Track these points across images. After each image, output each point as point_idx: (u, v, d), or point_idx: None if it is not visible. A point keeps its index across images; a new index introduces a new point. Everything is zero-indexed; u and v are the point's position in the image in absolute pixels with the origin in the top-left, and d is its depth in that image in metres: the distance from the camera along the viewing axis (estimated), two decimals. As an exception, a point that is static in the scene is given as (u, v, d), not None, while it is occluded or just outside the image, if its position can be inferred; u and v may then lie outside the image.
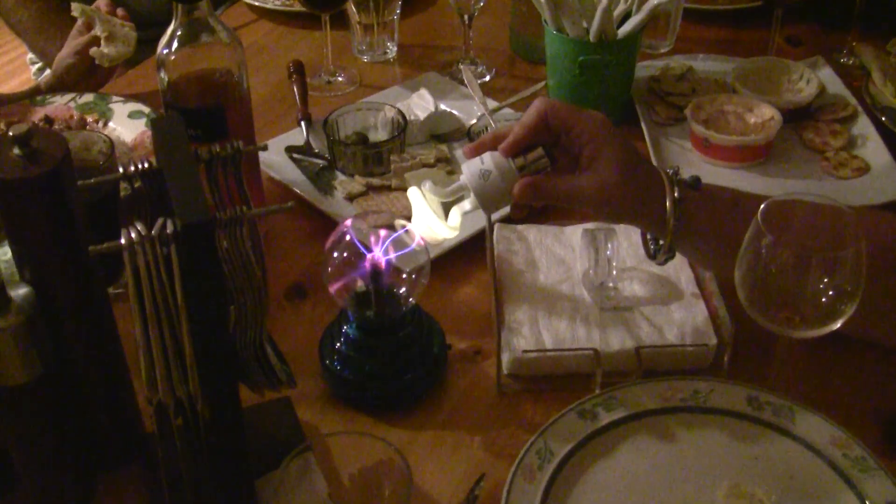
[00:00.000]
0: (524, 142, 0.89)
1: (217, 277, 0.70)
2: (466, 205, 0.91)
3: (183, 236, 0.66)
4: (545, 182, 0.88)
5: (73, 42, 1.47)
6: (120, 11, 1.46)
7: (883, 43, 1.47)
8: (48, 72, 1.55)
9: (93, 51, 1.40)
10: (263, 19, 1.72)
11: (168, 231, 0.66)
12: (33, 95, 1.43)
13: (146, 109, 1.36)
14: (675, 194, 0.87)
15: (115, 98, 1.40)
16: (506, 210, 0.96)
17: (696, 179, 0.90)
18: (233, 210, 0.70)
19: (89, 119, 1.36)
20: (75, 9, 1.42)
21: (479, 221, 1.12)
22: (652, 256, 0.94)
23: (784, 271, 0.79)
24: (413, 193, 0.91)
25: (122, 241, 0.67)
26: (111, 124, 1.35)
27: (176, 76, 1.03)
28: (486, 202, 0.89)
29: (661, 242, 0.91)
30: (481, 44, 1.57)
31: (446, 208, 0.92)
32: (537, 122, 0.89)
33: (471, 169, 0.89)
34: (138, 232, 0.67)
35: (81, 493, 0.86)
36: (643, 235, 0.95)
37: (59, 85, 1.46)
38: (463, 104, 1.39)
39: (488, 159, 0.89)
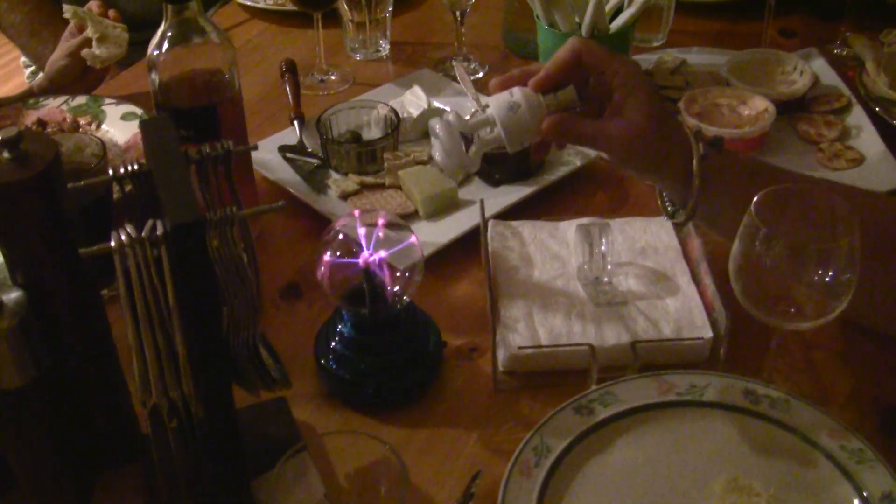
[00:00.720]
0: (555, 78, 0.88)
1: (208, 278, 0.70)
2: (489, 137, 0.88)
3: (173, 237, 0.66)
4: (574, 120, 0.87)
5: (66, 44, 1.47)
6: (112, 13, 1.46)
7: (876, 33, 1.46)
8: (41, 75, 1.55)
9: (84, 52, 1.40)
10: (255, 19, 1.72)
11: (158, 232, 0.66)
12: (26, 98, 1.43)
13: (139, 111, 1.36)
14: (701, 151, 0.87)
15: (107, 100, 1.39)
16: (504, 202, 0.94)
17: (719, 140, 0.89)
18: (223, 210, 0.70)
19: (82, 121, 1.36)
20: (67, 11, 1.41)
21: (474, 218, 1.12)
22: (671, 216, 0.93)
23: (779, 263, 0.79)
24: (434, 123, 0.88)
25: (113, 243, 0.66)
26: (104, 126, 1.35)
27: (167, 77, 1.03)
28: (512, 136, 0.87)
29: (680, 202, 0.89)
30: (474, 40, 1.57)
31: (466, 143, 0.89)
32: (570, 60, 0.87)
33: (499, 101, 0.87)
34: (128, 234, 0.66)
35: (78, 496, 0.86)
36: (659, 194, 0.94)
37: (53, 87, 1.46)
38: (456, 101, 1.39)
39: (518, 93, 0.87)
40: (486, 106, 0.90)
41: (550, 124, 0.87)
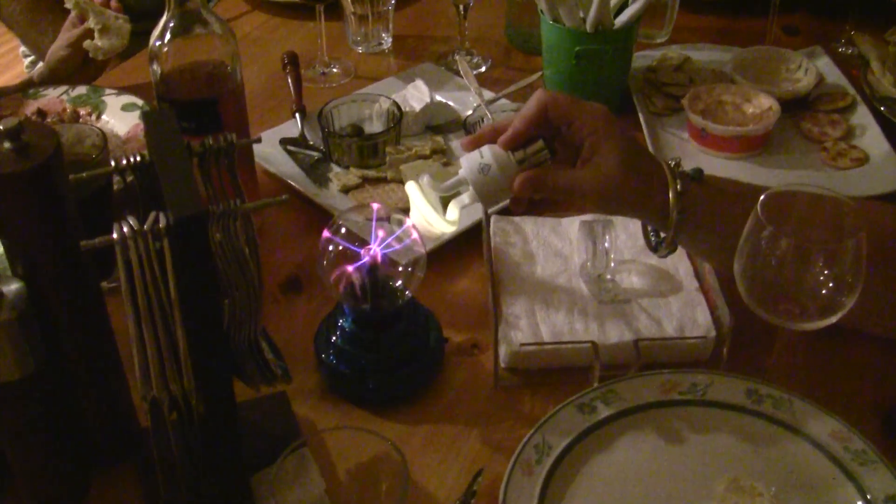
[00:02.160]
0: (524, 134, 0.87)
1: (210, 272, 0.69)
2: (465, 199, 0.89)
3: (175, 230, 0.65)
4: (545, 175, 0.87)
5: (67, 34, 1.46)
6: (113, 3, 1.45)
7: (881, 32, 1.46)
8: (41, 64, 1.54)
9: (86, 43, 1.39)
10: (257, 10, 1.71)
11: (160, 225, 0.66)
12: (26, 88, 1.42)
13: (139, 102, 1.35)
14: (678, 187, 0.86)
15: (108, 91, 1.39)
16: (505, 203, 0.95)
17: (699, 171, 0.89)
18: (226, 203, 0.69)
19: (82, 112, 1.35)
20: (68, 1, 1.40)
21: (476, 214, 1.11)
22: (654, 249, 0.93)
23: (784, 263, 0.78)
24: (411, 188, 0.90)
25: (115, 235, 0.66)
26: (104, 117, 1.34)
27: (168, 68, 1.02)
28: (486, 196, 0.88)
29: (663, 235, 0.90)
30: (477, 34, 1.56)
31: (444, 202, 0.91)
32: (537, 114, 0.87)
33: (469, 163, 0.88)
34: (130, 226, 0.66)
35: (75, 490, 0.85)
36: (644, 228, 0.95)
37: (53, 77, 1.45)
38: (459, 95, 1.38)
39: (487, 153, 0.88)
40: (485, 103, 0.91)
41: (521, 181, 0.87)
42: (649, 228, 0.94)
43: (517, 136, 0.88)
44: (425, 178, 0.90)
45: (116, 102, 1.36)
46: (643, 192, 0.87)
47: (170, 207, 0.65)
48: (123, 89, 1.40)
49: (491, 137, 0.89)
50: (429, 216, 0.89)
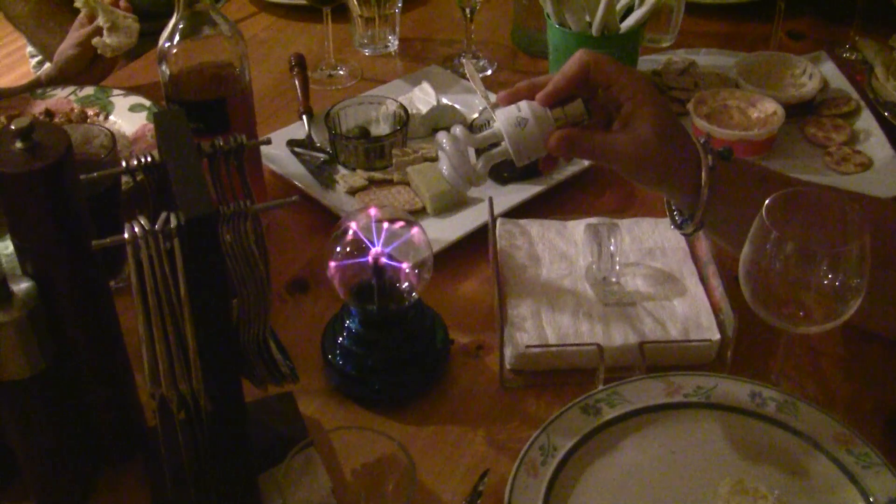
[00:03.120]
0: (563, 92, 0.87)
1: (220, 271, 0.70)
2: (495, 153, 0.88)
3: (187, 230, 0.66)
4: (581, 135, 0.86)
5: (76, 34, 1.46)
6: (122, 3, 1.46)
7: (885, 38, 1.46)
8: (48, 65, 1.55)
9: (95, 40, 1.39)
10: (264, 12, 1.72)
11: (172, 225, 0.66)
12: (34, 88, 1.43)
13: (147, 103, 1.35)
14: (710, 163, 0.86)
15: (115, 91, 1.39)
16: (512, 200, 0.94)
17: (729, 151, 0.89)
18: (236, 204, 0.70)
19: (90, 112, 1.36)
20: (79, 1, 1.41)
21: (482, 216, 1.12)
22: (679, 227, 0.93)
23: (789, 266, 0.79)
24: (441, 136, 0.87)
25: (126, 235, 0.66)
26: (112, 117, 1.35)
27: (177, 69, 1.03)
28: (520, 151, 0.87)
29: (689, 213, 0.89)
30: (483, 37, 1.57)
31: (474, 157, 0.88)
32: (579, 72, 0.87)
33: (507, 115, 0.86)
34: (142, 226, 0.66)
35: (82, 488, 0.86)
36: (668, 205, 0.94)
37: (61, 77, 1.46)
38: (465, 98, 1.39)
39: (525, 107, 0.86)
40: (495, 105, 0.90)
41: (558, 139, 0.86)
42: (673, 205, 0.93)
43: (557, 93, 0.87)
44: (458, 128, 0.88)
45: (124, 103, 1.37)
46: (676, 163, 0.87)
47: (181, 208, 0.66)
48: (132, 90, 1.40)
49: (529, 93, 0.88)
50: (458, 166, 0.86)
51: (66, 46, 1.46)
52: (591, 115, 0.87)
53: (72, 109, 1.36)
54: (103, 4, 1.41)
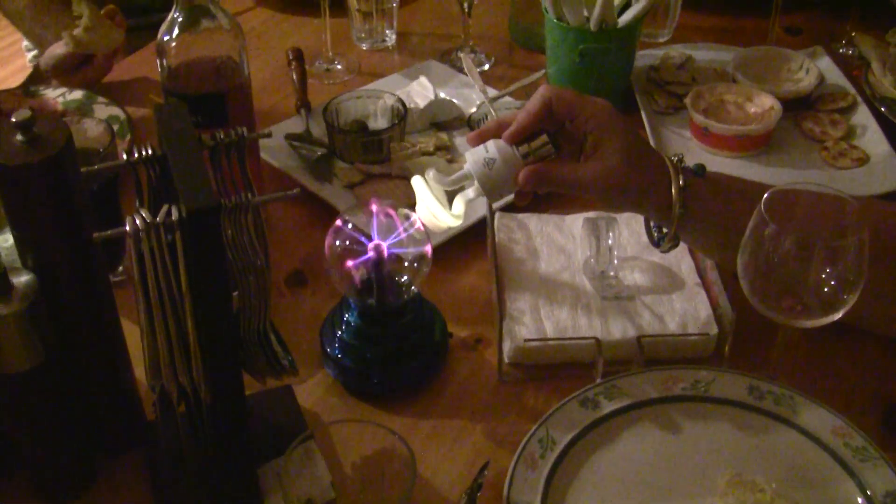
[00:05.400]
0: (528, 129, 0.88)
1: (221, 264, 0.70)
2: (470, 193, 0.90)
3: (188, 223, 0.66)
4: (550, 169, 0.88)
5: (66, 33, 1.45)
6: (118, 19, 1.45)
7: (882, 33, 1.47)
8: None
9: (66, 32, 1.38)
10: (262, 6, 1.71)
11: (173, 218, 0.66)
12: (34, 82, 1.42)
13: (122, 116, 1.34)
14: (681, 182, 0.87)
15: (100, 99, 1.37)
16: (509, 198, 0.96)
17: (701, 167, 0.90)
18: (237, 197, 0.70)
19: (68, 116, 1.34)
20: (76, 7, 1.40)
21: (481, 210, 1.12)
22: (656, 244, 0.94)
23: (786, 261, 0.79)
24: (416, 182, 0.90)
25: (127, 227, 0.66)
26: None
27: (176, 63, 1.03)
28: (491, 190, 0.89)
29: (665, 231, 0.90)
30: (481, 32, 1.57)
31: (450, 196, 0.91)
32: (542, 109, 0.88)
33: (475, 157, 0.89)
34: (143, 218, 0.66)
35: (82, 480, 0.86)
36: (646, 223, 0.95)
37: (55, 74, 1.45)
38: (463, 92, 1.39)
39: (492, 147, 0.88)
40: (489, 100, 0.91)
41: (527, 175, 0.87)
42: (651, 224, 0.94)
43: (522, 131, 0.88)
44: (431, 173, 0.91)
45: (103, 113, 1.34)
46: (646, 186, 0.88)
47: (183, 200, 0.66)
48: (113, 101, 1.38)
49: (496, 132, 0.90)
50: (434, 210, 0.89)
51: (56, 46, 1.45)
52: (559, 149, 0.89)
53: (55, 111, 1.35)
54: (93, 7, 1.40)
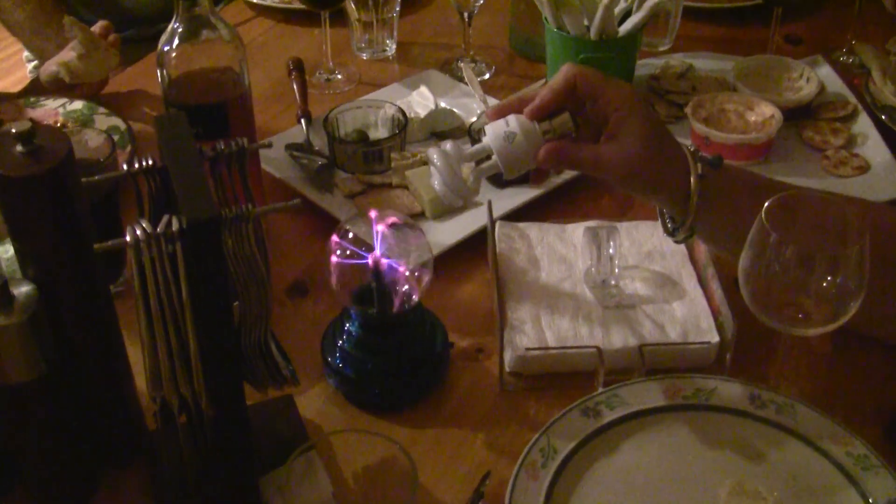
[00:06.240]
0: (550, 106, 0.88)
1: (222, 275, 0.70)
2: (486, 167, 0.89)
3: (189, 234, 0.66)
4: (570, 148, 0.87)
5: (64, 51, 1.45)
6: (112, 37, 1.45)
7: (882, 42, 1.47)
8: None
9: (61, 61, 1.38)
10: (262, 16, 1.72)
11: (174, 229, 0.66)
12: (32, 93, 1.42)
13: (123, 126, 1.34)
14: (699, 170, 0.87)
15: (101, 110, 1.38)
16: (511, 204, 0.95)
17: (719, 158, 0.89)
18: (238, 208, 0.70)
19: (69, 126, 1.34)
20: (67, 24, 1.40)
21: (481, 219, 1.12)
22: (671, 234, 0.93)
23: (788, 269, 0.79)
24: (432, 153, 0.88)
25: (128, 238, 0.66)
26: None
27: (177, 73, 1.03)
28: (509, 165, 0.88)
29: (680, 220, 0.90)
30: (481, 41, 1.57)
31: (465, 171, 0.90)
32: (565, 86, 0.88)
33: (495, 130, 0.88)
34: (144, 229, 0.66)
35: (83, 492, 0.86)
36: (660, 212, 0.95)
37: (53, 87, 1.45)
38: (463, 102, 1.39)
39: (513, 121, 0.87)
40: (489, 109, 0.90)
41: (547, 152, 0.87)
42: (665, 213, 0.94)
43: (544, 107, 0.88)
44: (448, 144, 0.89)
45: (103, 123, 1.34)
46: (664, 172, 0.87)
47: (183, 211, 0.66)
48: (113, 112, 1.37)
49: (517, 107, 0.89)
50: (449, 182, 0.88)
51: (52, 62, 1.45)
52: (579, 128, 0.88)
53: (56, 122, 1.35)
54: (86, 31, 1.40)
